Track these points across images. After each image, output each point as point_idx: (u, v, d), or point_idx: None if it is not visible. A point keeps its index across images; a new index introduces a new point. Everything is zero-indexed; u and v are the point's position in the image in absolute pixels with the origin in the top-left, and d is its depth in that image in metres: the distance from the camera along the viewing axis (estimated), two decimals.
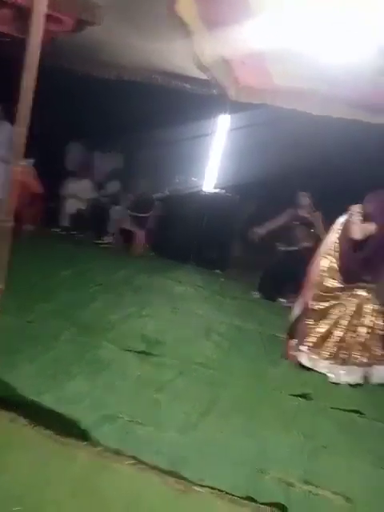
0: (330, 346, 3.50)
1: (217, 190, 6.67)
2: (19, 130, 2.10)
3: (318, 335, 3.53)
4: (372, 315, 3.51)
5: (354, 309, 3.49)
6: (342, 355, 3.47)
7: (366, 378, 3.50)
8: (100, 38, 4.53)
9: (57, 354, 2.90)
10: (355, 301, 3.51)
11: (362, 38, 3.25)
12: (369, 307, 3.51)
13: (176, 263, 6.13)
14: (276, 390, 3.11)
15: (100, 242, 6.61)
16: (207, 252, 6.42)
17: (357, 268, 3.51)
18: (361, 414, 2.99)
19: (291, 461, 2.35)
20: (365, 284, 3.53)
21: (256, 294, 5.46)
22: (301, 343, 3.58)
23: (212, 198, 6.59)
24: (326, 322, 3.54)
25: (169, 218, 6.55)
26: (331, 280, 3.52)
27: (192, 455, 2.21)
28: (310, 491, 2.12)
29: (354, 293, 3.52)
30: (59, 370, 2.68)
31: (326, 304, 3.53)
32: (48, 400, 2.28)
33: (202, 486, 2.00)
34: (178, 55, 4.63)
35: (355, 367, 3.46)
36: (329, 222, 3.82)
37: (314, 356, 3.53)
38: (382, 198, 3.50)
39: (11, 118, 4.77)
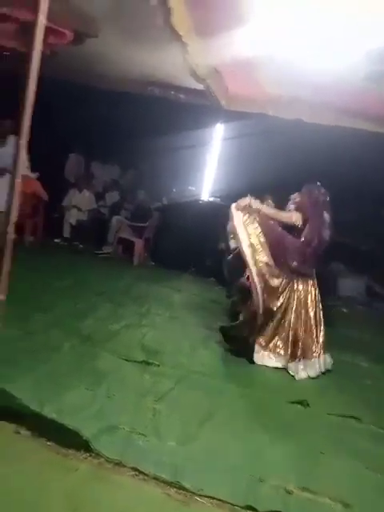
0: (287, 344, 3.56)
1: (213, 199, 6.74)
2: (21, 143, 2.15)
3: (274, 337, 3.60)
4: (313, 304, 3.60)
5: (298, 304, 3.56)
6: (298, 351, 3.55)
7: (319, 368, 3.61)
8: (98, 50, 4.60)
9: (57, 364, 2.91)
10: (297, 295, 3.57)
11: (350, 43, 3.30)
12: (310, 298, 3.60)
13: (175, 272, 6.17)
14: (273, 397, 3.14)
15: (100, 252, 6.66)
16: (205, 260, 6.47)
17: (297, 261, 3.57)
18: (357, 419, 3.01)
19: (289, 468, 2.36)
20: (305, 277, 3.62)
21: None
22: (260, 344, 3.61)
23: (209, 206, 6.65)
24: (277, 323, 3.58)
25: (167, 227, 6.60)
26: (274, 278, 3.52)
27: (192, 465, 2.23)
28: (308, 498, 2.14)
29: (296, 287, 3.58)
30: (60, 381, 2.69)
31: (278, 303, 3.54)
32: (49, 411, 2.29)
33: (202, 495, 2.03)
34: (173, 66, 4.71)
35: (311, 360, 3.55)
36: None
37: (272, 355, 3.59)
38: (315, 192, 3.67)
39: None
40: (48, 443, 2.18)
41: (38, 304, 3.89)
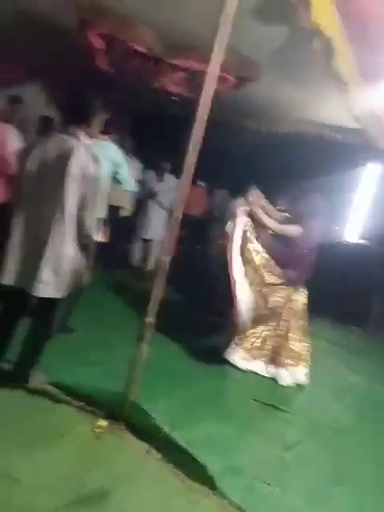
0: (274, 351, 3.57)
1: (360, 241, 6.35)
2: (184, 181, 2.31)
3: (257, 338, 3.58)
4: (305, 314, 3.68)
5: (292, 313, 3.60)
6: (285, 359, 3.56)
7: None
8: (256, 92, 4.77)
9: (190, 392, 2.99)
10: (293, 305, 3.60)
11: None
12: (303, 307, 3.65)
13: (310, 315, 5.87)
14: None
15: None
16: (345, 306, 6.06)
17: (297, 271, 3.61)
18: None
19: None
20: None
21: None
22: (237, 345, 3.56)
23: (354, 248, 6.28)
24: (269, 330, 3.59)
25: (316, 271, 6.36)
26: (270, 274, 3.58)
27: None
28: None
29: (292, 298, 3.59)
30: (192, 410, 2.76)
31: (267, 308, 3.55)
32: (179, 438, 2.34)
33: None
34: (330, 106, 4.65)
35: (298, 367, 3.58)
36: None
37: (250, 358, 3.55)
38: (318, 203, 3.67)
39: (175, 171, 5.22)
40: (175, 470, 2.21)
41: (178, 329, 4.05)
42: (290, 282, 3.62)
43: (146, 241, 5.93)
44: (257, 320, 3.56)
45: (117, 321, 3.77)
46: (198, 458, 2.22)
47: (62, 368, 2.77)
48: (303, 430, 2.94)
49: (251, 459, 2.45)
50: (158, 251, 5.85)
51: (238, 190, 7.43)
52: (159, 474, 2.18)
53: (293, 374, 3.59)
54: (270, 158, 6.30)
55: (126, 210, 5.48)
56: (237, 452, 2.48)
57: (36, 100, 5.72)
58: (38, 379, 2.58)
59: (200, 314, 4.56)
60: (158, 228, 5.83)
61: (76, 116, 2.44)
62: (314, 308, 5.99)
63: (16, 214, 2.41)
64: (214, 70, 2.26)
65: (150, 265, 5.95)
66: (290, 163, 6.03)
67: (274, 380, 3.55)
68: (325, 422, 3.14)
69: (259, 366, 3.59)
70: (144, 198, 5.79)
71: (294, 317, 3.63)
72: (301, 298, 3.67)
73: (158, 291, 2.37)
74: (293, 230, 3.59)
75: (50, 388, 2.60)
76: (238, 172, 6.75)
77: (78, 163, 2.30)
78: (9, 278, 2.42)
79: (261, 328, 3.60)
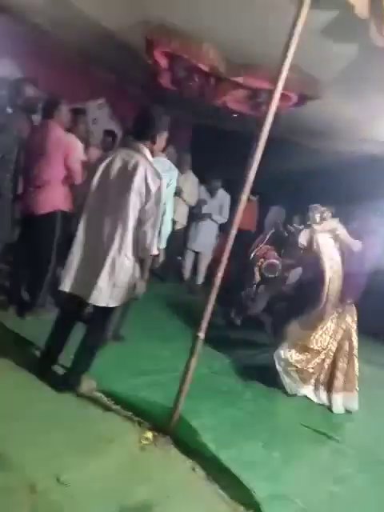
0: (327, 376, 3.43)
1: None
2: (242, 198, 2.30)
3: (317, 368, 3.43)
4: (356, 337, 3.48)
5: (344, 335, 3.45)
6: (338, 383, 3.39)
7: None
8: (321, 111, 4.68)
9: (238, 411, 2.91)
10: (345, 327, 3.45)
11: None
12: (354, 330, 3.47)
13: (369, 339, 5.59)
14: None
15: None
16: None
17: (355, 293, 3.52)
18: None
19: None
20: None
21: None
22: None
23: None
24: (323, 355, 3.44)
25: (368, 291, 6.09)
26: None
27: None
28: None
29: (344, 318, 3.47)
30: (238, 430, 2.69)
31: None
32: (225, 458, 2.27)
33: None
34: None
35: (353, 393, 3.40)
36: None
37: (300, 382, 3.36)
38: (367, 220, 3.65)
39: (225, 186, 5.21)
40: (220, 491, 2.15)
41: (224, 345, 4.00)
42: (341, 303, 3.51)
43: (195, 253, 5.97)
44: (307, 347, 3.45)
45: (167, 333, 3.78)
46: (244, 482, 2.14)
47: (111, 376, 2.81)
48: (354, 463, 2.77)
49: (300, 489, 2.33)
50: (206, 264, 5.90)
51: (294, 207, 7.33)
52: (203, 493, 2.13)
53: (345, 400, 3.43)
54: (330, 177, 6.16)
55: (180, 224, 5.54)
56: (284, 479, 2.37)
57: (100, 114, 5.98)
58: (88, 385, 2.63)
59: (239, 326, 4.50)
60: (207, 241, 5.88)
61: (143, 132, 2.50)
62: (368, 333, 5.75)
63: (80, 224, 2.50)
64: (280, 87, 2.26)
65: (200, 278, 5.97)
66: (350, 182, 5.86)
67: (323, 405, 3.41)
68: (377, 455, 2.94)
69: (310, 391, 3.46)
70: (197, 211, 5.85)
71: (345, 340, 3.49)
72: (351, 320, 3.53)
73: (209, 306, 2.36)
74: (358, 244, 3.50)
75: (99, 395, 2.65)
76: (296, 189, 6.67)
77: (142, 179, 2.36)
78: (68, 285, 2.51)
79: (310, 354, 3.47)
